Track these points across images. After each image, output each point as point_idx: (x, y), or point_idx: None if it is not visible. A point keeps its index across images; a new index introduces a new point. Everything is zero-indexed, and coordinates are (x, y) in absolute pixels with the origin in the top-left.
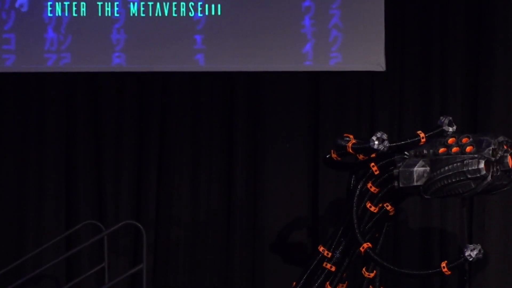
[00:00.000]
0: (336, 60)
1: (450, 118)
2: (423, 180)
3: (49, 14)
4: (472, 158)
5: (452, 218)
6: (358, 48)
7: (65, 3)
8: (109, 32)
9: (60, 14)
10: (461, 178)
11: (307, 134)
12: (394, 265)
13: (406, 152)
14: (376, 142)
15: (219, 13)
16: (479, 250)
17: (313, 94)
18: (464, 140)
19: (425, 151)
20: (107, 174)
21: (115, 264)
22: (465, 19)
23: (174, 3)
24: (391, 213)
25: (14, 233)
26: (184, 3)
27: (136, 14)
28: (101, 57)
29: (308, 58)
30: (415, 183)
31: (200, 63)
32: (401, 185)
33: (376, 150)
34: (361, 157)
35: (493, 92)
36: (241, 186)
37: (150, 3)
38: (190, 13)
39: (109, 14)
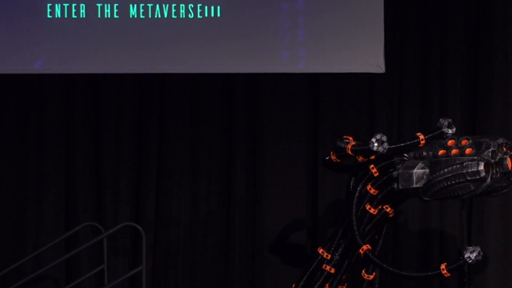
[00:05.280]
0: (336, 62)
1: (450, 120)
2: (423, 182)
3: (49, 16)
4: (472, 160)
5: (451, 220)
6: (358, 50)
7: (64, 4)
8: (108, 34)
9: (59, 16)
10: (461, 180)
11: (307, 136)
12: (394, 267)
13: (405, 154)
14: (376, 144)
15: (218, 15)
16: (479, 252)
17: (312, 96)
18: (464, 142)
19: (424, 153)
20: (107, 175)
21: (115, 265)
22: (465, 21)
23: (173, 5)
24: (391, 215)
25: (14, 234)
26: (183, 5)
27: (135, 16)
28: (100, 58)
29: (308, 60)
30: (414, 185)
31: (200, 65)
32: (400, 187)
33: (376, 152)
34: (360, 159)
35: (493, 94)
36: (240, 187)
37: (149, 5)
38: (189, 15)
39: (109, 16)
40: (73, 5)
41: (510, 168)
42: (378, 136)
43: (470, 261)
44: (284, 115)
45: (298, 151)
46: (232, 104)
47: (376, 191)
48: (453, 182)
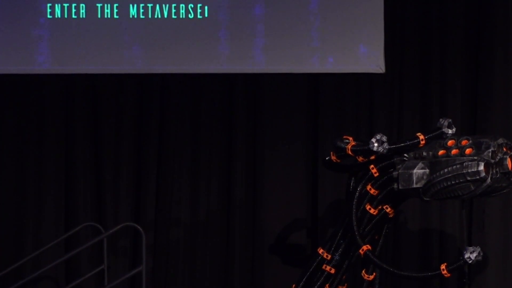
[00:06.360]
0: (336, 62)
1: (450, 120)
2: (423, 182)
3: (49, 16)
4: (472, 160)
5: (451, 220)
6: (358, 50)
7: (64, 4)
8: (108, 34)
9: (59, 16)
10: (461, 180)
11: (307, 136)
12: (394, 267)
13: (405, 154)
14: (376, 144)
15: (218, 15)
16: (479, 253)
17: (312, 96)
18: (464, 142)
19: (424, 153)
20: (107, 175)
21: (115, 266)
22: (465, 21)
23: (173, 5)
24: (391, 215)
25: (14, 234)
26: (183, 5)
27: (135, 16)
28: (100, 58)
29: (308, 60)
30: (414, 185)
31: (200, 65)
32: (400, 187)
33: (376, 152)
34: (360, 159)
35: (493, 94)
36: (240, 187)
37: (149, 5)
38: (189, 15)
39: (109, 16)
40: (73, 5)
41: (510, 168)
42: (378, 136)
43: (470, 261)
44: (284, 115)
45: (298, 151)
46: (232, 104)
47: (376, 191)
48: (453, 182)
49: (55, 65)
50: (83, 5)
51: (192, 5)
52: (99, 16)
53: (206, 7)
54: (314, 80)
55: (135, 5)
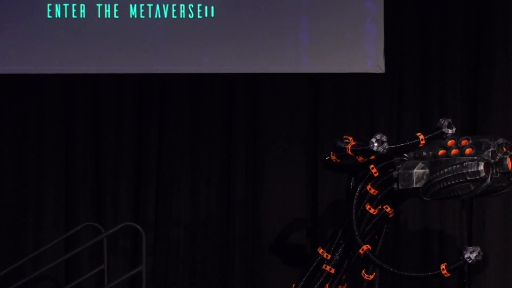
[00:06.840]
0: (335, 62)
1: (450, 120)
2: (423, 182)
3: (49, 16)
4: (472, 160)
5: (451, 220)
6: (358, 50)
7: (64, 5)
8: (109, 34)
9: (59, 16)
10: (461, 180)
11: (307, 136)
12: (394, 267)
13: (405, 154)
14: (376, 144)
15: (218, 15)
16: (479, 252)
17: (312, 96)
18: (464, 142)
19: (424, 153)
20: (107, 176)
21: (115, 265)
22: (465, 21)
23: (173, 5)
24: (391, 215)
25: (14, 234)
26: (183, 5)
27: (135, 16)
28: (100, 58)
29: (307, 60)
30: (414, 185)
31: (200, 65)
32: (400, 187)
33: (376, 152)
34: (360, 159)
35: (493, 94)
36: (240, 187)
37: (149, 5)
38: (189, 15)
39: (109, 16)
40: (73, 5)
41: (510, 168)
42: (378, 136)
43: (470, 261)
44: (284, 115)
45: (298, 151)
46: (232, 104)
47: (376, 191)
48: (453, 182)
49: (55, 65)
50: (83, 5)
51: (192, 5)
52: (99, 16)
53: (206, 7)
54: (314, 80)
55: (135, 5)
